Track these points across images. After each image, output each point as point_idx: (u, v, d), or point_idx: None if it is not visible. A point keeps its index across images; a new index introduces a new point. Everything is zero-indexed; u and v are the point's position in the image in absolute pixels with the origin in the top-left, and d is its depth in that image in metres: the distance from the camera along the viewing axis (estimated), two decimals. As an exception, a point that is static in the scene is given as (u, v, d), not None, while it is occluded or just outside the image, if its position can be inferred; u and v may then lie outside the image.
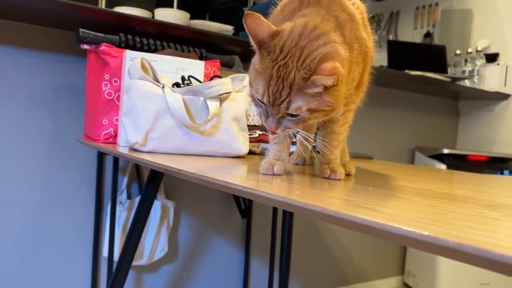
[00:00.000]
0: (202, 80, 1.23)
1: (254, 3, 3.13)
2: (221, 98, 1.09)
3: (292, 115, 0.68)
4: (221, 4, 3.62)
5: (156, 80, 1.10)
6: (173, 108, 1.03)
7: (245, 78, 1.18)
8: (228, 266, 2.01)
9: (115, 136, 1.26)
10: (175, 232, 1.86)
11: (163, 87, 1.07)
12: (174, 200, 1.84)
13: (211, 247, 1.96)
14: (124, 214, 1.65)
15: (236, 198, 1.96)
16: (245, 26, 0.68)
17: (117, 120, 1.25)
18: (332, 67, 0.62)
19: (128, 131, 1.06)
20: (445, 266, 2.33)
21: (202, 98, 1.07)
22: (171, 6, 2.73)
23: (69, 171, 1.59)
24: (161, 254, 1.72)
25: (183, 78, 1.15)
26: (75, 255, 1.64)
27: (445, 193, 0.69)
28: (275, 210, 1.90)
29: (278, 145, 0.80)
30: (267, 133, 1.39)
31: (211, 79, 1.20)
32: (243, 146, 1.12)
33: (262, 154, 1.29)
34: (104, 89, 1.23)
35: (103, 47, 1.22)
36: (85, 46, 1.27)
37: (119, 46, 1.28)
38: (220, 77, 1.20)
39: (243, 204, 1.98)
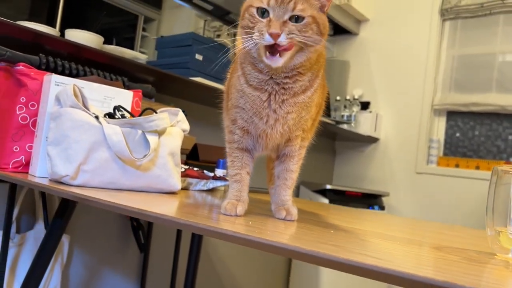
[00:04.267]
0: (130, 111, 1.19)
1: (144, 29, 3.09)
2: (159, 132, 1.07)
3: (296, 20, 0.73)
4: (105, 24, 3.48)
5: (87, 108, 1.04)
6: (112, 141, 0.98)
7: (179, 112, 1.18)
8: (121, 303, 1.89)
9: (26, 165, 1.13)
10: (67, 269, 1.70)
11: (96, 117, 1.01)
12: (69, 233, 1.69)
13: (105, 283, 1.83)
14: (13, 250, 1.47)
15: (135, 231, 1.88)
16: None
17: (30, 147, 1.13)
18: None
19: (56, 162, 0.97)
20: (326, 279, 2.51)
21: (140, 132, 1.04)
22: (49, 20, 2.44)
23: None
24: (53, 295, 1.56)
25: (115, 109, 1.10)
26: None
27: (396, 236, 0.79)
28: (178, 240, 1.87)
29: (238, 183, 0.83)
30: (192, 168, 1.39)
31: (143, 111, 1.17)
32: (178, 182, 1.11)
33: (187, 189, 1.28)
34: (18, 112, 1.11)
35: (21, 67, 1.11)
36: (-5, 63, 1.13)
37: (39, 67, 1.17)
38: (153, 109, 1.18)
39: (143, 238, 1.90)
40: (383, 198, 2.87)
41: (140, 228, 1.87)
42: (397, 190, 2.94)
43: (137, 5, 2.49)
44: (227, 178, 1.26)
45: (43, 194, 1.54)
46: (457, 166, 2.79)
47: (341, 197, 2.68)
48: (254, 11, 0.74)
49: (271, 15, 0.73)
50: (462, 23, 2.86)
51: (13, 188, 1.36)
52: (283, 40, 0.71)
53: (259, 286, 2.64)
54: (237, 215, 0.78)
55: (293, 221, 0.83)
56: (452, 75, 2.87)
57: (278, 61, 0.73)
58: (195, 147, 1.76)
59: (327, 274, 2.54)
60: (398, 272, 0.46)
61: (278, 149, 0.87)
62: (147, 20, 2.55)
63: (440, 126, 2.94)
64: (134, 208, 0.74)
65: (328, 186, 2.64)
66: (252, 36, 0.73)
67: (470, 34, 2.83)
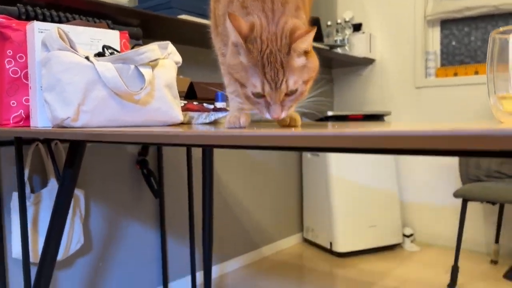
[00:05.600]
0: (119, 51, 1.17)
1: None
2: (152, 65, 1.06)
3: (290, 95, 0.73)
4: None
5: (75, 50, 1.02)
6: (106, 78, 0.97)
7: (168, 45, 1.16)
8: (145, 248, 1.96)
9: (27, 118, 1.13)
10: (87, 222, 1.75)
11: (87, 57, 1.00)
12: (83, 189, 1.72)
13: (126, 232, 1.89)
14: (31, 209, 1.50)
15: (147, 179, 1.91)
16: (231, 25, 0.69)
17: (27, 100, 1.13)
18: (302, 31, 0.70)
19: (54, 107, 0.97)
20: (339, 216, 2.59)
21: (132, 67, 1.03)
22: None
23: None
24: (77, 246, 1.61)
25: (104, 48, 1.09)
26: (-24, 264, 1.44)
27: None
28: (190, 184, 1.90)
29: (239, 97, 0.82)
30: (192, 102, 1.39)
31: (132, 47, 1.15)
32: (179, 113, 1.11)
33: (189, 123, 1.28)
34: (7, 67, 1.10)
35: (2, 19, 1.08)
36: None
37: (18, 18, 1.14)
38: (142, 45, 1.16)
39: (155, 184, 1.93)
40: (385, 117, 2.87)
41: (151, 174, 1.90)
42: (398, 108, 2.95)
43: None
44: (227, 109, 1.26)
45: (50, 149, 1.55)
46: (455, 74, 2.76)
47: (344, 122, 2.69)
48: (249, 93, 0.73)
49: (268, 97, 0.72)
50: None
51: (20, 148, 1.37)
52: (285, 115, 0.74)
53: (273, 220, 2.72)
54: (241, 127, 0.79)
55: (297, 126, 0.84)
56: (442, -18, 2.78)
57: (281, 115, 0.74)
58: (191, 87, 1.74)
59: (337, 194, 2.60)
60: (407, 132, 0.46)
61: None
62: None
63: (435, 37, 2.89)
64: (142, 132, 0.74)
65: (330, 113, 2.64)
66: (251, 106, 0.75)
67: None
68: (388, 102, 2.99)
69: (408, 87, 2.91)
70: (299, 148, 0.76)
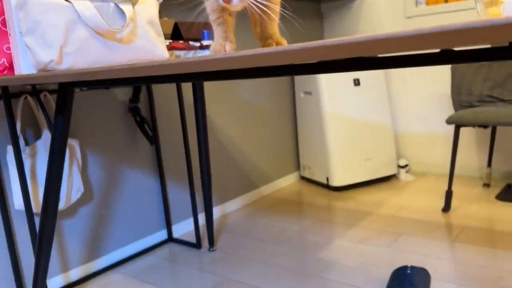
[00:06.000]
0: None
1: None
2: (132, 2, 1.03)
3: None
4: None
5: (51, -8, 0.99)
6: (86, 17, 0.95)
7: (148, -19, 1.12)
8: (145, 194, 2.00)
9: (10, 67, 1.11)
10: (85, 172, 1.77)
11: (63, -3, 0.97)
12: (77, 139, 1.73)
13: (125, 179, 1.92)
14: (28, 161, 1.51)
15: (141, 126, 1.91)
16: None
17: (8, 48, 1.10)
18: None
19: (36, 51, 0.95)
20: (334, 151, 2.62)
21: (112, 4, 1.00)
22: None
23: None
24: (78, 195, 1.64)
25: (81, -13, 1.05)
26: (-20, 217, 1.47)
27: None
28: (184, 129, 1.91)
29: (222, 25, 0.81)
30: (178, 41, 1.36)
31: (110, -14, 1.11)
32: (164, 51, 1.09)
33: (176, 61, 1.27)
34: (-17, 13, 1.06)
35: (-31, -37, 1.04)
36: None
37: (-12, -40, 1.09)
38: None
39: (150, 131, 1.94)
40: (377, 51, 2.83)
41: (144, 121, 1.90)
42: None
43: None
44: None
45: (39, 100, 1.54)
46: (446, 1, 2.70)
47: (334, 57, 2.65)
48: None
49: None
50: None
51: (8, 100, 1.36)
52: (236, 2, 0.72)
53: (271, 160, 2.75)
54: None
55: (284, 51, 0.83)
56: None
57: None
58: (176, 28, 1.70)
59: (334, 145, 2.62)
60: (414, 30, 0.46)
61: None
62: None
63: (425, -38, 2.79)
64: (128, 66, 0.73)
65: (320, 49, 2.60)
66: None
67: None
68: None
69: (399, 17, 2.85)
70: (286, 70, 0.75)
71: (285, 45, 0.84)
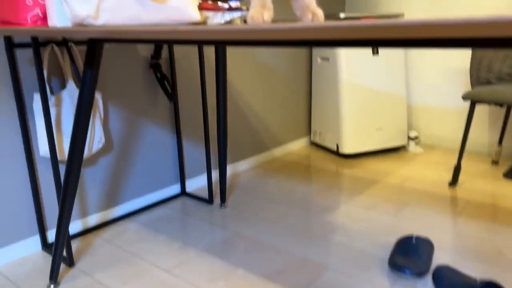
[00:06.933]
0: None
1: None
2: (168, -40, 1.04)
3: None
4: None
5: None
6: (124, -26, 0.96)
7: None
8: (162, 149, 2.06)
9: (44, 18, 1.14)
10: (106, 124, 1.82)
11: (102, -48, 0.98)
12: (99, 91, 1.77)
13: (143, 133, 1.97)
14: (53, 110, 1.56)
15: (161, 82, 1.94)
16: None
17: (43, -1, 1.12)
18: None
19: (73, 4, 0.98)
20: (346, 119, 2.65)
21: (148, -38, 1.01)
22: None
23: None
24: (99, 145, 1.70)
25: None
26: (4, 158, 1.54)
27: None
28: (203, 88, 1.93)
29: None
30: (207, 1, 1.37)
31: None
32: (197, 12, 1.11)
33: (205, 23, 1.28)
34: (21, -37, 1.08)
35: None
36: None
37: None
38: None
39: (169, 88, 1.97)
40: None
41: (164, 78, 1.93)
42: (411, 10, 2.86)
43: None
44: (242, 8, 1.25)
45: (68, 50, 1.57)
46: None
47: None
48: None
49: None
50: None
51: (37, 49, 1.39)
52: None
53: (283, 124, 2.79)
54: (265, 23, 0.80)
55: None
56: None
57: None
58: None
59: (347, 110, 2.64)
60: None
61: None
62: None
63: None
64: (167, 29, 0.76)
65: (342, 15, 2.58)
66: None
67: None
68: (402, 2, 2.90)
69: (423, -14, 2.80)
70: (320, 42, 0.78)
71: (320, 15, 0.86)
